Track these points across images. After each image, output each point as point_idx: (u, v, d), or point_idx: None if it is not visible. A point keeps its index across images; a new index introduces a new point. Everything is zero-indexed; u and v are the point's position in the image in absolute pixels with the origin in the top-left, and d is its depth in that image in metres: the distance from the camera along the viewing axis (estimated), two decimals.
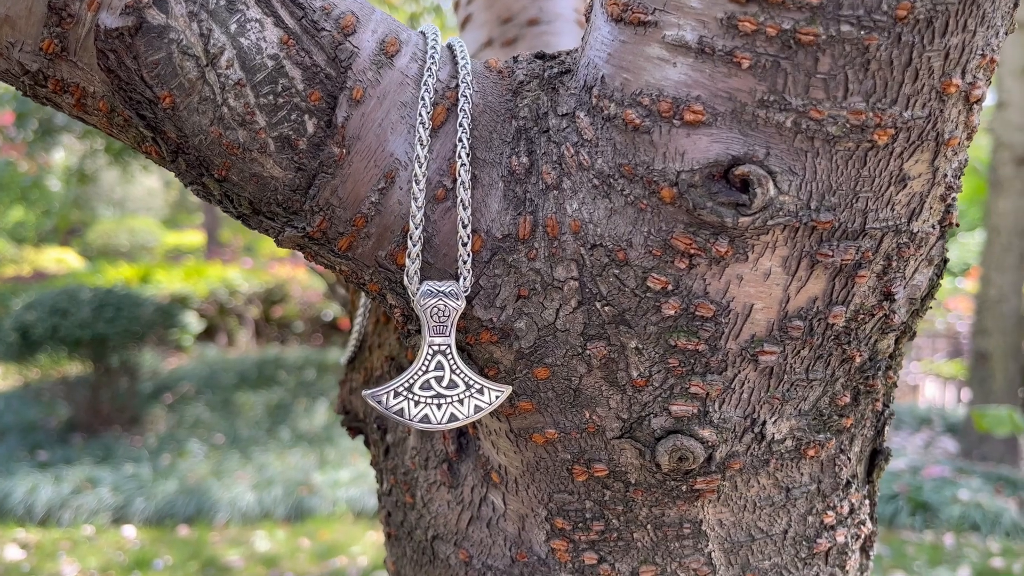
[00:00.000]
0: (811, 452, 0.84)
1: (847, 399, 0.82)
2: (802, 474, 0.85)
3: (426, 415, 0.77)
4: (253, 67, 0.72)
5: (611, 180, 0.73)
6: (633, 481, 0.82)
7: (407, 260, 0.75)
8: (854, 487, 0.90)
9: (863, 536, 0.94)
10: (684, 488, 0.82)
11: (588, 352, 0.76)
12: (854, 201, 0.70)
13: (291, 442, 7.81)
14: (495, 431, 0.86)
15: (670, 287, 0.73)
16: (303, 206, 0.76)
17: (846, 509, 0.90)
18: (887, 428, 0.91)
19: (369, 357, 1.11)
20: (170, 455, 7.24)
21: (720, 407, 0.78)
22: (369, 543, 5.93)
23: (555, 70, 0.80)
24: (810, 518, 0.88)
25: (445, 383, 0.76)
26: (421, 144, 0.74)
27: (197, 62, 0.71)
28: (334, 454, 7.34)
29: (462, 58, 0.79)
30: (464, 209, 0.74)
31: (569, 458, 0.83)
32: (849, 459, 0.88)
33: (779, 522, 0.87)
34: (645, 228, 0.72)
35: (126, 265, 12.56)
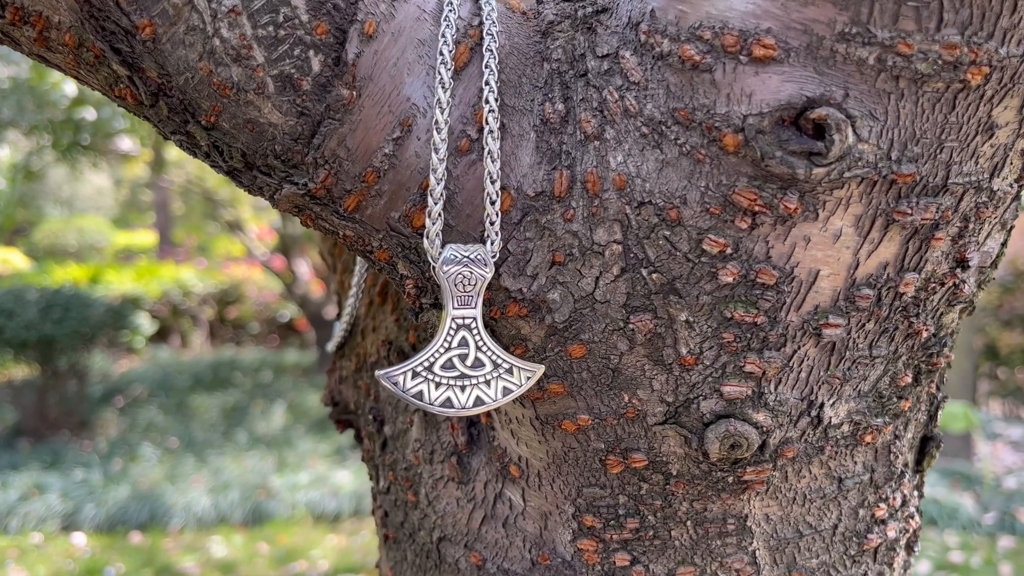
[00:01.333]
0: (868, 438, 0.75)
1: (908, 379, 0.74)
2: (855, 463, 0.77)
3: (448, 398, 0.67)
4: None
5: (663, 128, 0.64)
6: (674, 473, 0.73)
7: (426, 221, 0.65)
8: (906, 477, 0.82)
9: (910, 531, 0.86)
10: (731, 479, 0.73)
11: (631, 326, 0.67)
12: (938, 152, 0.62)
13: (248, 445, 7.62)
14: (517, 419, 0.76)
15: (728, 250, 0.64)
16: (305, 158, 0.65)
17: (898, 501, 0.82)
18: (940, 413, 0.84)
19: (362, 342, 1.00)
20: (122, 460, 7.01)
21: (776, 388, 0.70)
22: (330, 547, 5.78)
23: (589, 9, 0.70)
24: (861, 511, 0.80)
25: (470, 362, 0.67)
26: (443, 87, 0.64)
27: None
28: (293, 456, 7.17)
29: None
30: (493, 162, 0.65)
31: (603, 448, 0.73)
32: (903, 446, 0.80)
33: (829, 516, 0.79)
34: (702, 182, 0.63)
35: (75, 265, 12.19)
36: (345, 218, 0.68)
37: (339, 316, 1.10)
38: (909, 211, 0.63)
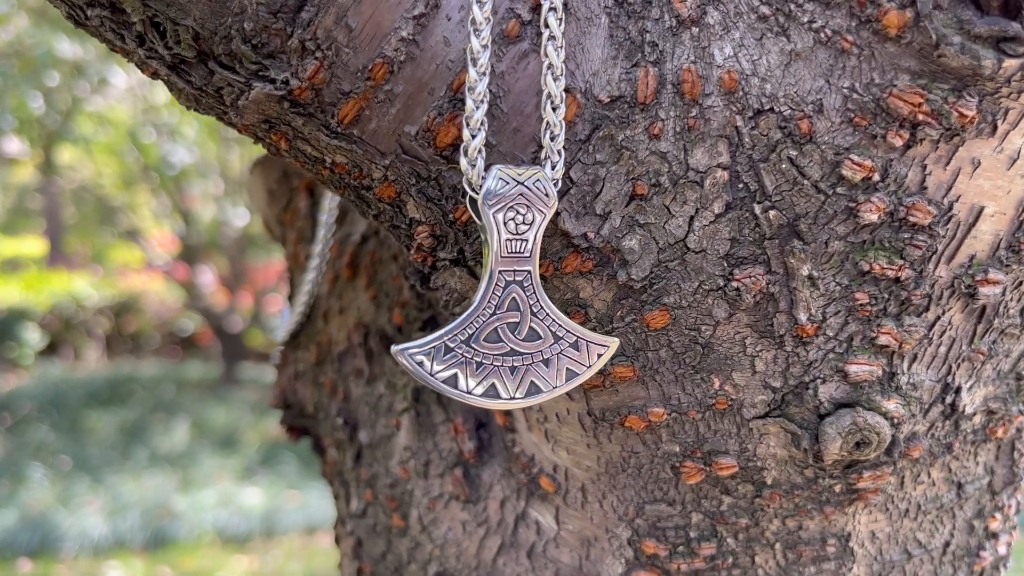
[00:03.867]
0: (1000, 431, 0.60)
1: None
2: (977, 464, 0.61)
3: (493, 384, 0.47)
4: None
5: (792, 6, 0.46)
6: (769, 482, 0.56)
7: (465, 132, 0.46)
8: (1020, 480, 0.67)
9: (1012, 543, 0.71)
10: (839, 488, 0.56)
11: (734, 284, 0.49)
12: None
13: (148, 464, 7.18)
14: (558, 415, 0.58)
15: (875, 177, 0.47)
16: (288, 42, 0.45)
17: (1012, 509, 0.67)
18: None
19: (324, 327, 0.80)
20: (9, 482, 6.48)
21: (911, 366, 0.53)
22: (238, 571, 5.44)
23: None
24: (976, 523, 0.64)
25: (522, 332, 0.48)
26: None
27: None
28: (197, 475, 6.78)
29: None
30: (556, 52, 0.46)
31: (678, 451, 0.55)
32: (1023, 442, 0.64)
33: (941, 532, 0.63)
34: (846, 82, 0.46)
35: None
36: (338, 135, 0.48)
37: (291, 297, 0.89)
38: None
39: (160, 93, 6.96)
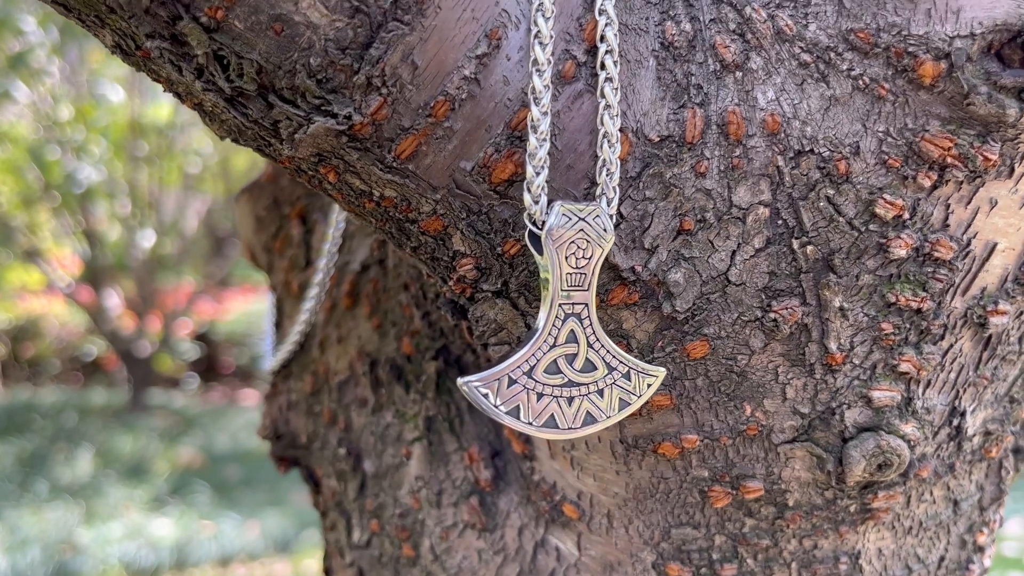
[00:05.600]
0: (993, 451, 0.64)
1: None
2: (971, 482, 0.65)
3: (552, 415, 0.48)
4: None
5: (831, 55, 0.49)
6: (791, 504, 0.58)
7: (528, 169, 0.47)
8: (1004, 496, 0.71)
9: (991, 557, 0.76)
10: (855, 508, 0.59)
11: (772, 315, 0.52)
12: None
13: (49, 496, 6.85)
14: (588, 444, 0.59)
15: (905, 215, 0.51)
16: (354, 78, 0.46)
17: (996, 524, 0.71)
18: None
19: (320, 357, 0.79)
20: None
21: (924, 392, 0.57)
22: None
23: None
24: (967, 538, 0.68)
25: (579, 364, 0.49)
26: None
27: None
28: (103, 507, 6.51)
29: None
30: (614, 92, 0.48)
31: (707, 476, 0.57)
32: (1011, 460, 0.69)
33: (938, 547, 0.66)
34: (881, 126, 0.49)
35: None
36: (392, 170, 0.49)
37: (278, 324, 0.88)
38: None
39: (64, 110, 6.72)
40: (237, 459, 7.17)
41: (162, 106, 7.06)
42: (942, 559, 0.67)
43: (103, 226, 7.81)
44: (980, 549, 0.70)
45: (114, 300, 8.00)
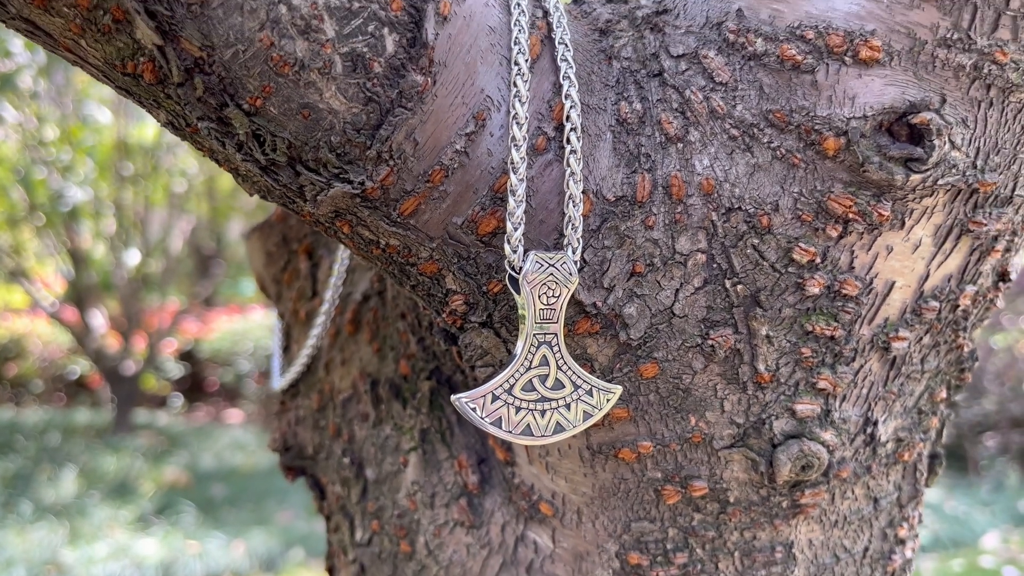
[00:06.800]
0: (905, 455, 0.75)
1: (943, 394, 0.75)
2: (889, 482, 0.76)
3: (528, 425, 0.59)
4: None
5: (755, 130, 0.61)
6: (732, 500, 0.69)
7: (508, 224, 0.58)
8: (922, 495, 0.82)
9: (916, 550, 0.87)
10: (786, 504, 0.70)
11: (710, 342, 0.63)
12: (1012, 163, 0.63)
13: (33, 516, 6.85)
14: (560, 451, 0.70)
15: (817, 260, 0.62)
16: (365, 152, 0.57)
17: (916, 520, 0.82)
18: (944, 431, 0.85)
19: (326, 377, 0.90)
20: None
21: (841, 405, 0.68)
22: None
23: (649, 9, 0.67)
24: (888, 531, 0.79)
25: (550, 383, 0.60)
26: (522, 77, 0.58)
27: None
28: (87, 527, 6.52)
29: None
30: (577, 161, 0.59)
31: (660, 477, 0.68)
32: (924, 464, 0.80)
33: (862, 539, 0.77)
34: (796, 188, 0.61)
35: None
36: (396, 224, 0.60)
37: (286, 348, 0.98)
38: (984, 221, 0.64)
39: (50, 130, 6.78)
40: (222, 478, 7.20)
41: (148, 126, 7.13)
42: (866, 549, 0.78)
43: (88, 245, 7.84)
44: (901, 542, 0.81)
45: (99, 319, 8.03)
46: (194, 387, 9.36)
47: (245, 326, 9.29)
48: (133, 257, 7.85)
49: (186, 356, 9.04)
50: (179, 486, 7.13)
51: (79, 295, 7.86)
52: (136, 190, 7.71)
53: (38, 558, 6.03)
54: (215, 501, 6.73)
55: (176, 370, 8.79)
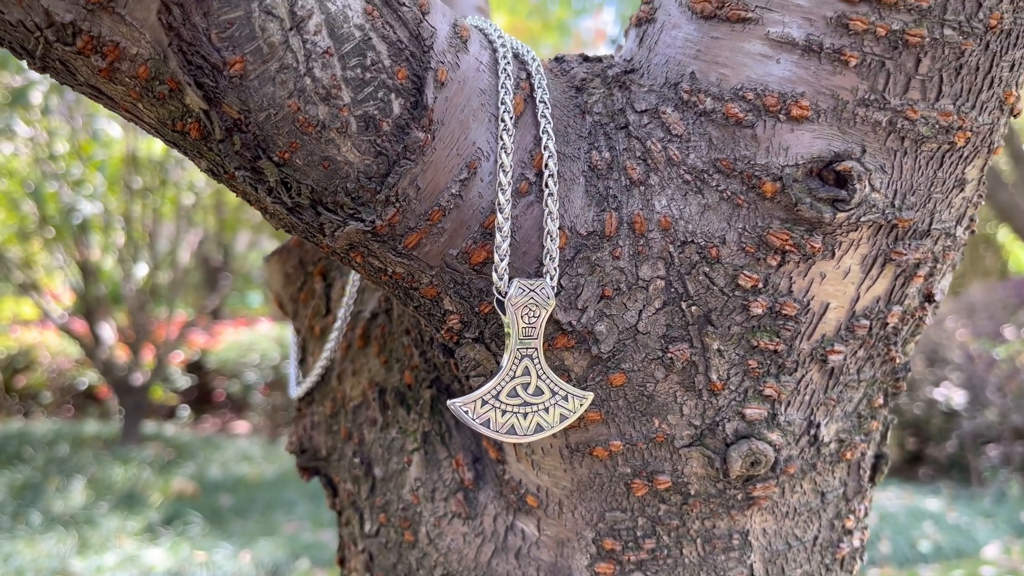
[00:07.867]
0: (848, 455, 0.85)
1: (880, 401, 0.85)
2: (835, 478, 0.87)
3: (512, 425, 0.70)
4: (341, 36, 0.64)
5: (705, 175, 0.71)
6: (692, 492, 0.80)
7: (495, 256, 0.69)
8: (867, 490, 0.93)
9: (864, 540, 0.97)
10: (741, 496, 0.80)
11: (669, 355, 0.74)
12: (927, 202, 0.74)
13: (43, 527, 6.95)
14: (543, 449, 0.80)
15: (759, 285, 0.73)
16: (376, 196, 0.68)
17: (862, 512, 0.92)
18: (888, 434, 0.95)
19: (338, 386, 1.00)
20: None
21: (786, 410, 0.78)
22: None
23: (618, 69, 0.78)
24: (836, 522, 0.89)
25: (531, 390, 0.70)
26: (507, 132, 0.69)
27: (281, 24, 0.62)
28: (96, 536, 6.61)
29: (525, 50, 0.75)
30: (554, 202, 0.70)
31: (629, 472, 0.79)
32: (867, 463, 0.90)
33: (812, 528, 0.88)
34: (740, 224, 0.71)
35: None
36: (401, 255, 0.71)
37: (302, 361, 1.09)
38: (904, 251, 0.74)
39: (61, 145, 6.91)
40: (229, 488, 7.29)
41: (156, 141, 7.26)
42: (816, 538, 0.88)
43: (97, 258, 7.96)
44: (848, 532, 0.91)
45: (108, 331, 8.14)
46: (201, 398, 9.46)
47: (252, 338, 9.40)
48: (142, 269, 7.97)
49: (194, 367, 9.15)
50: (187, 496, 7.21)
51: (88, 307, 7.98)
52: (145, 203, 7.84)
53: (47, 568, 6.13)
54: (222, 511, 6.82)
55: (184, 381, 8.90)
